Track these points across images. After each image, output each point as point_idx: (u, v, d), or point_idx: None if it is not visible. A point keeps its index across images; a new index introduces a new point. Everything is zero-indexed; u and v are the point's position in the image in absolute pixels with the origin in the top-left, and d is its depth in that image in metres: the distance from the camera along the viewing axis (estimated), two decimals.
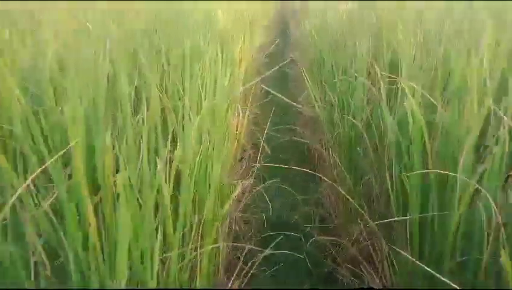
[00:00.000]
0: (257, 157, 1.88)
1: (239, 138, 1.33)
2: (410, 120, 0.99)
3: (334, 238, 1.54)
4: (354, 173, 1.62)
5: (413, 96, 1.01)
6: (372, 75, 1.71)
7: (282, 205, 1.82)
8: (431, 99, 1.00)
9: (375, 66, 1.67)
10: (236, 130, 1.48)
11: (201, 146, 0.93)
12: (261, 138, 1.87)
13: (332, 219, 1.71)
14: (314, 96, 1.69)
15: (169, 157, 0.93)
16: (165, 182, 0.79)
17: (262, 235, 1.42)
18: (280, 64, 1.16)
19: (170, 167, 0.87)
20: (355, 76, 1.62)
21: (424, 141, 0.95)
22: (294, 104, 1.65)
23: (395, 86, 1.51)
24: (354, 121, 1.56)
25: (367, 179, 1.54)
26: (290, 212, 1.78)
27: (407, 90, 0.99)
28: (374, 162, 1.51)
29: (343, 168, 1.57)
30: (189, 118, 0.90)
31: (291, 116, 2.56)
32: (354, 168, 1.63)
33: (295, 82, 2.95)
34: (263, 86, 1.61)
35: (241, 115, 1.53)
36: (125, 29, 1.66)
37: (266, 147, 1.82)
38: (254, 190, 1.55)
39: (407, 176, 0.99)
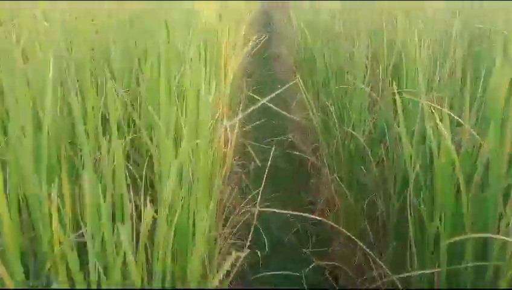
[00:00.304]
0: (246, 172, 1.67)
1: (227, 159, 1.11)
2: (438, 163, 0.79)
3: (334, 263, 1.36)
4: (355, 189, 1.42)
5: (439, 120, 0.81)
6: (371, 76, 1.51)
7: (276, 224, 1.61)
8: (472, 131, 0.79)
9: (376, 69, 1.47)
10: (224, 147, 1.26)
11: (181, 192, 0.71)
12: (249, 148, 1.66)
13: (331, 239, 1.52)
14: (310, 104, 1.47)
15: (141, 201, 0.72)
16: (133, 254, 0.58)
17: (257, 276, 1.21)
18: (288, 84, 0.94)
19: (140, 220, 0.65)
20: (354, 82, 1.41)
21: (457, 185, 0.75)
22: (289, 115, 1.44)
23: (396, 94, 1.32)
24: (354, 133, 1.36)
25: (371, 197, 1.35)
26: (285, 234, 1.58)
27: (436, 117, 0.78)
28: (378, 179, 1.32)
29: (343, 187, 1.37)
30: (166, 151, 0.68)
31: (280, 119, 2.34)
32: (356, 184, 1.43)
33: (284, 82, 2.72)
34: (252, 94, 1.39)
35: (228, 129, 1.30)
36: (91, 30, 1.41)
37: (257, 160, 1.61)
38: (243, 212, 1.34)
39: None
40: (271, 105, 1.39)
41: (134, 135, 0.94)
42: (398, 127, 1.22)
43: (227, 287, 1.12)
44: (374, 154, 1.33)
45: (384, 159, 1.27)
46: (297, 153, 1.61)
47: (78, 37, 1.33)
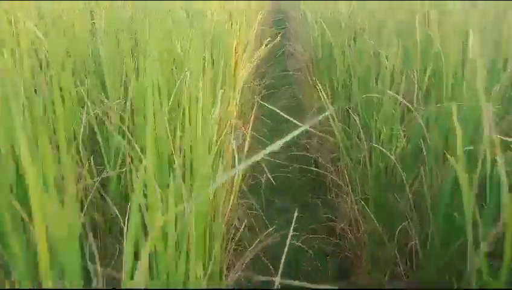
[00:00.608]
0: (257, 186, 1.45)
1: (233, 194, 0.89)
2: None
3: None
4: (383, 214, 1.18)
5: None
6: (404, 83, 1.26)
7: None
8: None
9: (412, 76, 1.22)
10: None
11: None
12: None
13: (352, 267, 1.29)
14: (333, 117, 1.24)
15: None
16: None
17: None
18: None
19: None
20: (384, 91, 1.17)
21: None
22: (308, 127, 1.21)
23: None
24: (383, 150, 1.12)
25: (403, 224, 1.11)
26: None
27: None
28: (413, 205, 1.09)
29: (369, 211, 1.14)
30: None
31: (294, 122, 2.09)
32: (384, 207, 1.19)
33: (299, 84, 2.47)
34: (265, 104, 1.16)
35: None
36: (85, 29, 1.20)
37: (270, 176, 1.38)
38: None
39: None
40: (290, 118, 1.16)
41: (121, 170, 0.72)
42: (445, 149, 0.98)
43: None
44: (407, 175, 1.09)
45: (424, 180, 1.03)
46: (315, 169, 1.37)
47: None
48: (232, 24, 1.80)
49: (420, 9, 1.54)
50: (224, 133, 1.04)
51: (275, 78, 2.43)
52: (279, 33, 2.29)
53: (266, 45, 1.17)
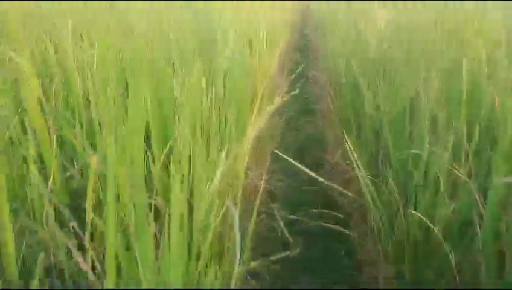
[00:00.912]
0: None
1: None
2: None
3: None
4: None
5: None
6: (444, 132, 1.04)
7: None
8: None
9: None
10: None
11: None
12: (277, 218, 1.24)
13: None
14: (360, 169, 1.03)
15: None
16: None
17: None
18: None
19: None
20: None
21: None
22: (337, 187, 1.02)
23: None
24: (423, 219, 0.90)
25: None
26: None
27: None
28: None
29: None
30: None
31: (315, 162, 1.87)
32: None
33: (320, 116, 2.27)
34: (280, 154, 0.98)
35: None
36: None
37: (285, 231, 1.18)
38: None
39: None
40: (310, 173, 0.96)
41: None
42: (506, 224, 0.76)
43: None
44: (454, 252, 0.87)
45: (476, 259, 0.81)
46: (341, 228, 1.16)
47: None
48: (250, 52, 1.62)
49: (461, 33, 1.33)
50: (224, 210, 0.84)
51: (294, 120, 2.24)
52: (302, 64, 2.12)
53: (282, 97, 0.99)
